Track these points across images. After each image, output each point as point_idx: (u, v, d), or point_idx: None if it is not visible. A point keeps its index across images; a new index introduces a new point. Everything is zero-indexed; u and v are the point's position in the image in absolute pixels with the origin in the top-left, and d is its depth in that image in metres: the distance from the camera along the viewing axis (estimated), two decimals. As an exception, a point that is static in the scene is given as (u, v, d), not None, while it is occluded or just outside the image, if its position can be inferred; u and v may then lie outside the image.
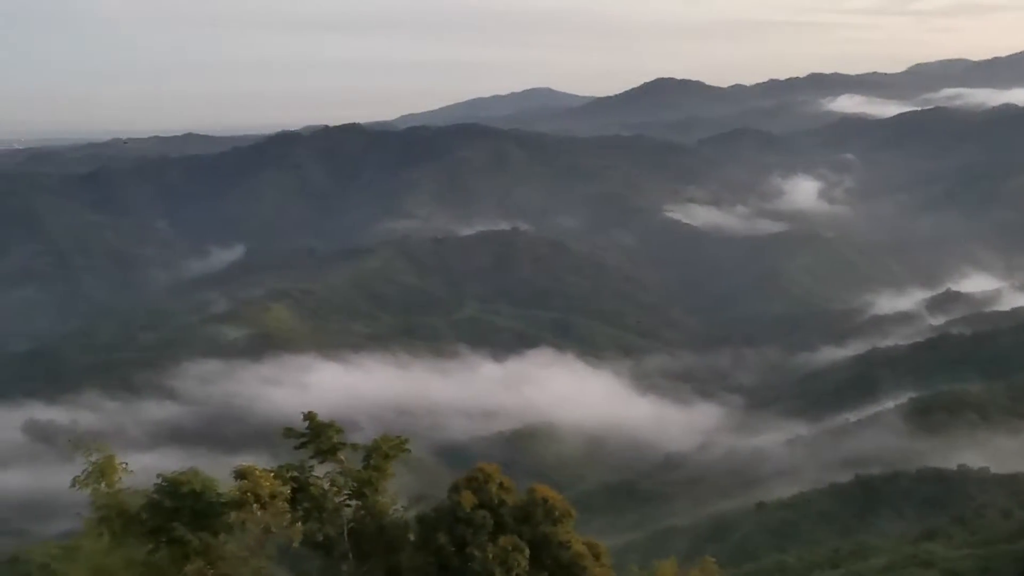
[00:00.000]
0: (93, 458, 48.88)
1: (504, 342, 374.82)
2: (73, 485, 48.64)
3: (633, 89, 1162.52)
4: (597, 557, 54.75)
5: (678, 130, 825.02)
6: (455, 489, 54.99)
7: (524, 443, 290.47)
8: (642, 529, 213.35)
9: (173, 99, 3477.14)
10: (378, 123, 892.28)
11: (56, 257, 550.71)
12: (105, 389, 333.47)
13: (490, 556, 51.91)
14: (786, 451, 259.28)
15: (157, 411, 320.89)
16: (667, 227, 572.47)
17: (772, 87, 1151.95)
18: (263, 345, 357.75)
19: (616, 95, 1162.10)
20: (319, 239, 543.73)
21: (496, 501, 53.97)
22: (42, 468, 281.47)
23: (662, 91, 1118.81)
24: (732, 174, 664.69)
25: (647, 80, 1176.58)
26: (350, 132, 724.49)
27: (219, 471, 52.23)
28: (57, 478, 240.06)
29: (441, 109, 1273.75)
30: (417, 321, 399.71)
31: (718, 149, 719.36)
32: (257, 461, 53.58)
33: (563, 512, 54.80)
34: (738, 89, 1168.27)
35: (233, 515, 49.57)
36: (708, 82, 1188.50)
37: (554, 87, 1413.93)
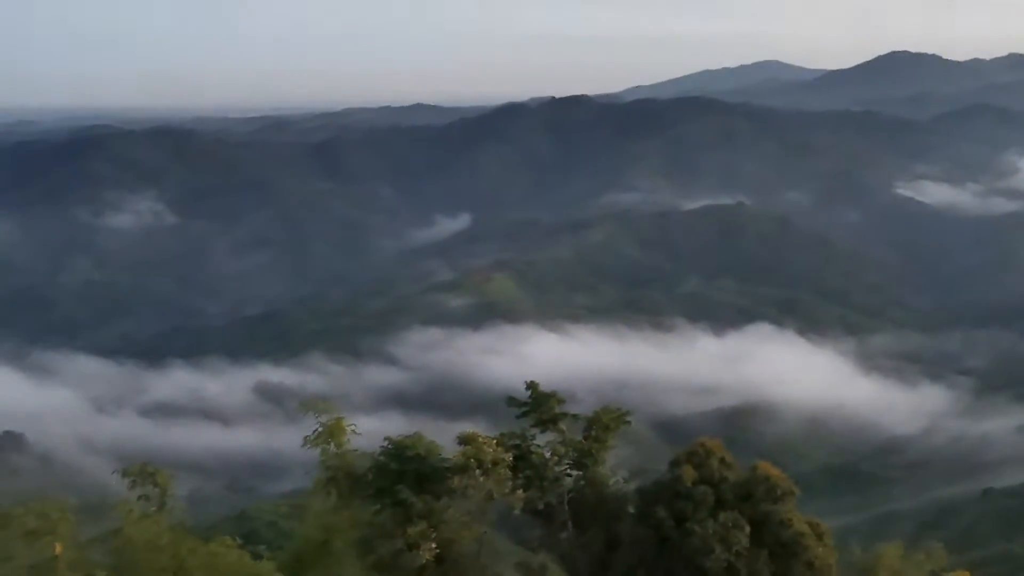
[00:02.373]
0: (323, 420, 50.16)
1: (725, 317, 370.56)
2: (304, 445, 50.03)
3: (866, 62, 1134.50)
4: (819, 537, 53.99)
5: (912, 105, 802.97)
6: (676, 463, 54.83)
7: (743, 420, 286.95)
8: (863, 512, 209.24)
9: (403, 71, 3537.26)
10: (604, 95, 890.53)
11: (288, 224, 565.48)
12: (331, 353, 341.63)
13: (710, 532, 51.64)
14: (1017, 438, 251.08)
15: (380, 376, 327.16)
16: (897, 204, 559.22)
17: (1013, 61, 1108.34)
18: (484, 314, 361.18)
19: (848, 68, 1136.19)
20: (543, 210, 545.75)
21: (717, 477, 53.64)
22: (270, 428, 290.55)
23: (897, 64, 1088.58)
24: (966, 151, 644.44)
25: (881, 53, 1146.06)
26: (576, 104, 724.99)
27: (439, 437, 53.06)
28: (284, 438, 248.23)
29: (668, 82, 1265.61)
30: (638, 295, 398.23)
31: (952, 125, 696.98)
32: (475, 428, 54.17)
33: (785, 490, 54.17)
34: (976, 63, 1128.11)
35: (456, 480, 50.34)
36: (945, 55, 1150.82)
37: (784, 60, 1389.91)
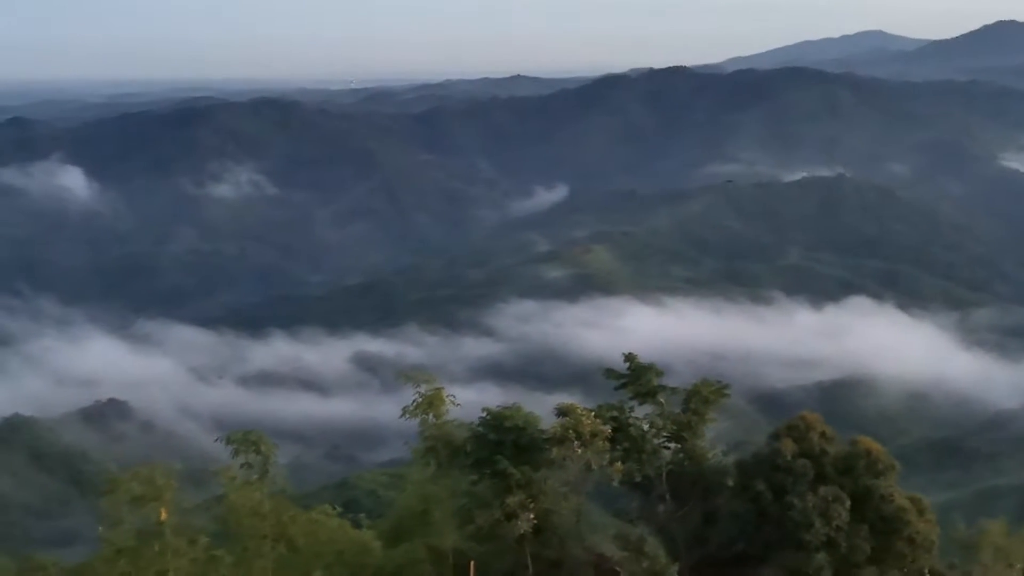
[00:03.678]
0: (422, 390, 50.51)
1: (825, 290, 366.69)
2: (403, 415, 50.43)
3: (972, 32, 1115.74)
4: (920, 512, 53.39)
5: (1018, 75, 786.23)
6: (776, 437, 54.48)
7: (842, 394, 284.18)
8: (965, 488, 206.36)
9: (503, 41, 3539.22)
10: (705, 66, 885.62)
11: (388, 195, 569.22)
12: (428, 324, 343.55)
13: (810, 506, 51.27)
14: None
15: (476, 347, 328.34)
16: (1002, 176, 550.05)
17: None
18: (582, 286, 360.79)
19: (953, 38, 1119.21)
20: (642, 182, 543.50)
21: (817, 451, 53.22)
22: (369, 397, 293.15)
23: (1003, 34, 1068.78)
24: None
25: (987, 23, 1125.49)
26: (676, 75, 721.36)
27: (535, 409, 53.22)
28: (382, 408, 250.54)
29: (769, 52, 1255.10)
30: (738, 267, 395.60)
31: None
32: (572, 400, 54.25)
33: (886, 465, 53.62)
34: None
35: (554, 451, 50.49)
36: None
37: (887, 29, 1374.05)
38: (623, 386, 56.85)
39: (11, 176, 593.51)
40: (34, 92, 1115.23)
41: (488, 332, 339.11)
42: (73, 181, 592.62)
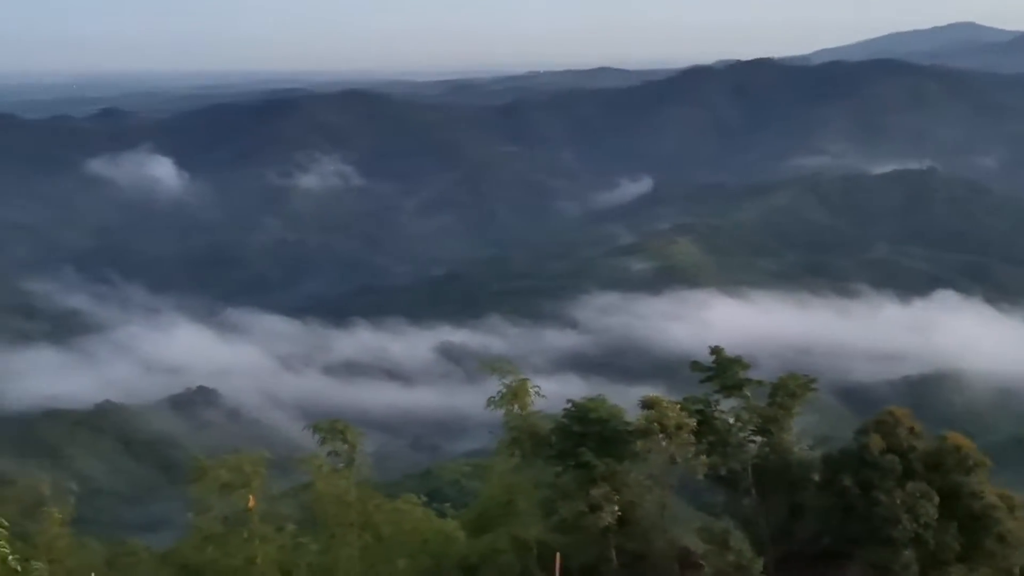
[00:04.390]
0: (507, 381, 50.60)
1: (913, 284, 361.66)
2: (488, 406, 50.58)
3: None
4: (1011, 510, 52.72)
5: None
6: (863, 432, 54.03)
7: (930, 389, 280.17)
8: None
9: (589, 33, 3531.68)
10: (792, 57, 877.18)
11: (472, 186, 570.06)
12: (510, 315, 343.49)
13: (897, 501, 50.81)
14: None
15: (558, 339, 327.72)
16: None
17: None
18: (666, 279, 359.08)
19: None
20: (727, 174, 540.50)
21: (905, 446, 52.71)
22: (452, 388, 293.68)
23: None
24: None
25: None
26: (763, 67, 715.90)
27: (617, 401, 53.15)
28: (466, 398, 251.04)
29: (857, 44, 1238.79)
30: (823, 260, 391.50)
31: None
32: (655, 393, 54.14)
33: (976, 461, 53.04)
34: None
35: (639, 443, 50.47)
36: None
37: (978, 21, 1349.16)
38: (709, 379, 56.67)
39: (102, 166, 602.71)
40: (127, 83, 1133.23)
41: (571, 324, 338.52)
42: (162, 171, 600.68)
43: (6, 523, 22.46)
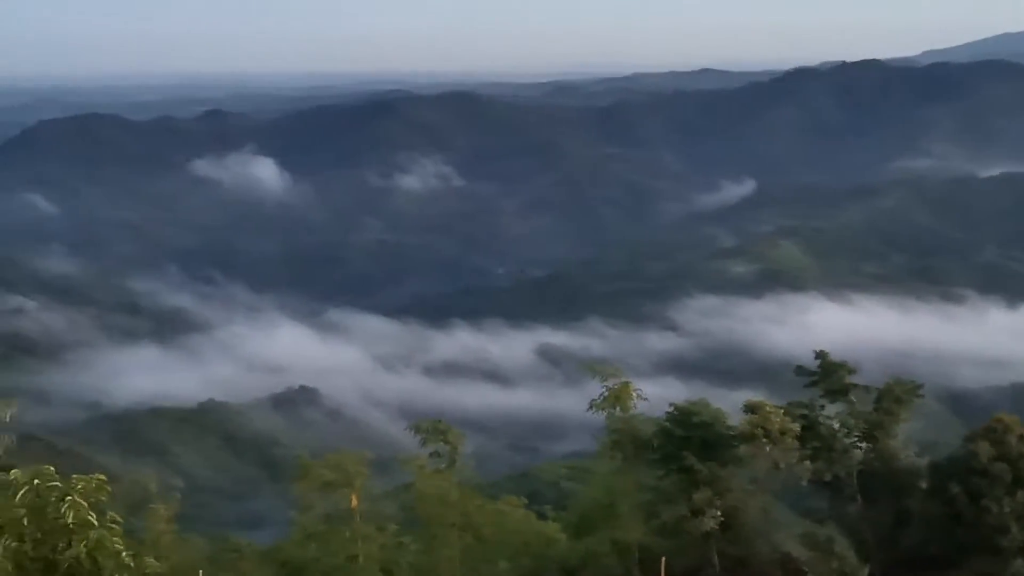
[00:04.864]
0: (609, 383, 50.33)
1: (1020, 289, 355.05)
2: (590, 408, 50.32)
3: None
4: (1124, 519, 51.48)
5: None
6: (971, 439, 53.12)
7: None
8: None
9: (692, 34, 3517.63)
10: (898, 59, 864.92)
11: (573, 188, 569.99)
12: (610, 317, 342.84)
13: (1007, 510, 49.87)
14: None
15: (658, 341, 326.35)
16: None
17: None
18: (767, 282, 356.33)
19: None
20: (831, 176, 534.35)
21: (1015, 454, 51.68)
22: (551, 390, 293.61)
23: None
24: None
25: None
26: (868, 68, 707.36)
27: (717, 405, 52.70)
28: (565, 400, 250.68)
29: (966, 45, 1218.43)
30: (929, 264, 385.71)
31: None
32: (755, 397, 53.64)
33: (1088, 470, 51.89)
34: None
35: (742, 448, 49.95)
36: None
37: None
38: (813, 383, 56.14)
39: (206, 166, 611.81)
40: (232, 85, 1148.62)
41: (671, 326, 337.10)
42: (265, 172, 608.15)
43: (119, 519, 22.76)
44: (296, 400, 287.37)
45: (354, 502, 44.48)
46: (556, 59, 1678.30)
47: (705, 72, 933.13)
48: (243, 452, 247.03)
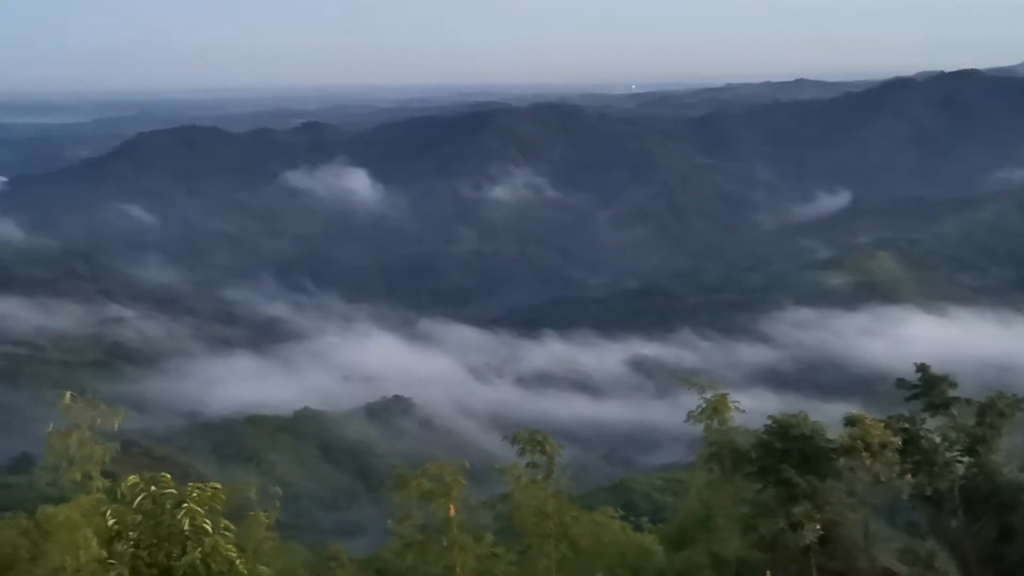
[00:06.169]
0: (707, 395, 50.16)
1: None
2: (687, 419, 50.20)
3: None
4: None
5: None
6: (1074, 455, 52.25)
7: None
8: None
9: (787, 44, 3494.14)
10: (997, 68, 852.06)
11: (667, 199, 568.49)
12: (703, 329, 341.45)
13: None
14: None
15: (751, 354, 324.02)
16: None
17: None
18: (864, 294, 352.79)
19: None
20: (929, 187, 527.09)
21: (1124, 471, 50.77)
22: (643, 401, 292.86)
23: None
24: None
25: None
26: (967, 78, 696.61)
27: (812, 417, 52.34)
28: (657, 412, 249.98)
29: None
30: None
31: None
32: (849, 409, 53.26)
33: None
34: None
35: (842, 461, 49.52)
36: None
37: None
38: (914, 396, 55.51)
39: (300, 178, 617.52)
40: (328, 97, 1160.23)
41: (764, 338, 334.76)
42: (359, 183, 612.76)
43: (232, 527, 23.12)
44: (390, 409, 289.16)
45: (452, 512, 44.73)
46: (651, 70, 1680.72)
47: (800, 82, 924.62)
48: (338, 461, 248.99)
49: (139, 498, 22.41)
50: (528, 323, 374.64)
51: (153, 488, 22.67)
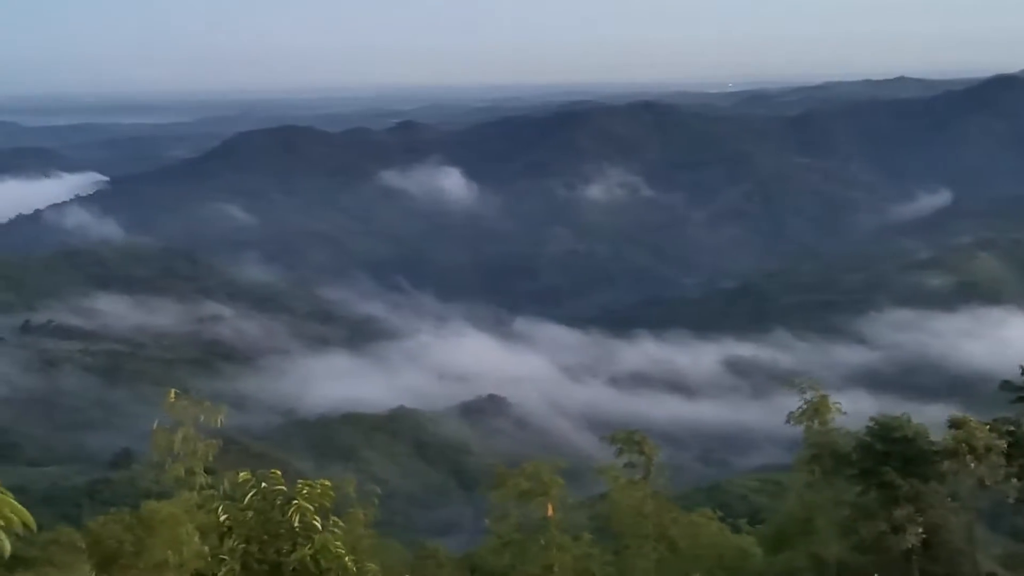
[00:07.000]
0: (808, 396, 49.69)
1: None
2: (788, 421, 49.74)
3: None
4: None
5: None
6: None
7: None
8: None
9: (887, 41, 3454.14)
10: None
11: (763, 198, 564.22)
12: (799, 329, 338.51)
13: None
14: None
15: (848, 355, 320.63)
16: None
17: None
18: (964, 295, 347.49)
19: None
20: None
21: None
22: (738, 402, 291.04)
23: None
24: None
25: None
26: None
27: (913, 419, 51.67)
28: (752, 412, 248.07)
29: None
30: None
31: None
32: (949, 412, 52.51)
33: None
34: None
35: (946, 464, 48.79)
36: None
37: None
38: (1020, 399, 54.52)
39: (394, 177, 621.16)
40: (424, 97, 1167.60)
41: (860, 339, 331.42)
42: (452, 182, 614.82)
43: (341, 524, 23.28)
44: (484, 409, 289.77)
45: (550, 511, 44.69)
46: (748, 68, 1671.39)
47: (900, 80, 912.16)
48: (433, 459, 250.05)
49: (250, 495, 22.65)
50: (622, 323, 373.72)
51: (264, 484, 22.89)
